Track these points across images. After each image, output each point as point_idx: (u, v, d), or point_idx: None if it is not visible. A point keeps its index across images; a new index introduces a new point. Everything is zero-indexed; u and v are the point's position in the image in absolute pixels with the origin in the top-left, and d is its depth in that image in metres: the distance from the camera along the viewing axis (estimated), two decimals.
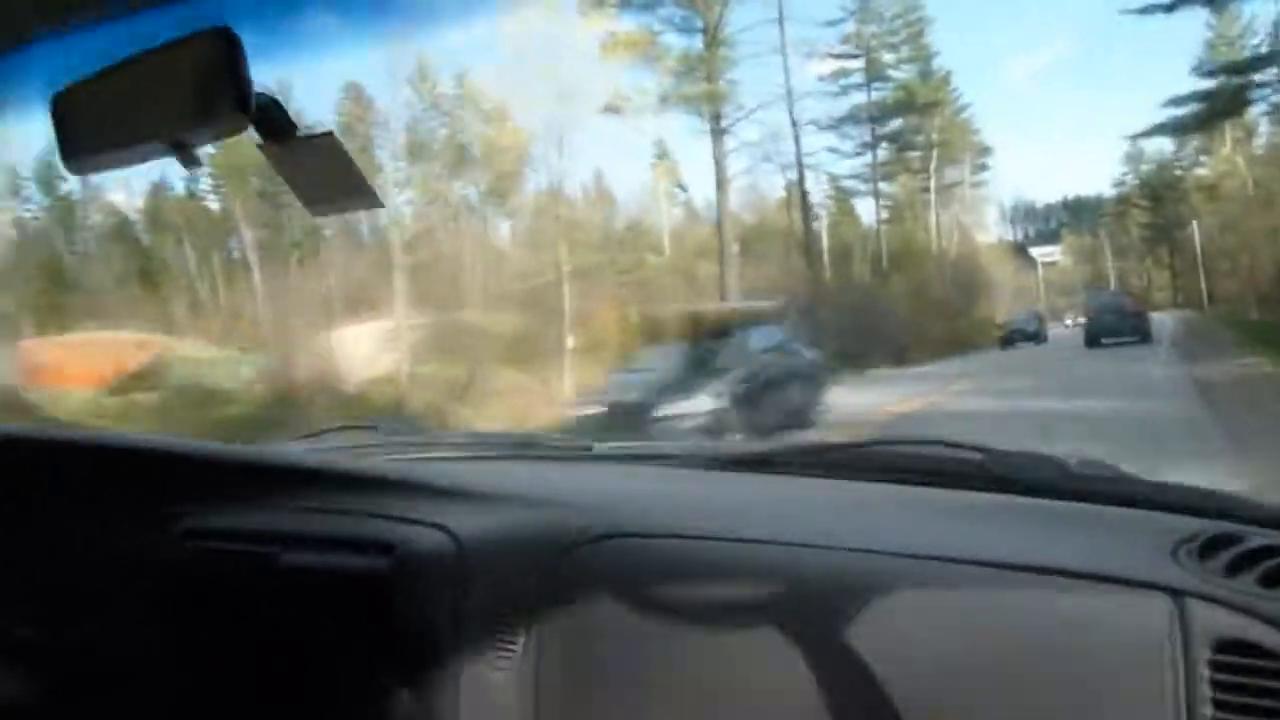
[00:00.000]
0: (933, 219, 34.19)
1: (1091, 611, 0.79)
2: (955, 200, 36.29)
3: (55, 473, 1.37)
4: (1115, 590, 0.79)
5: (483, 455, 1.58)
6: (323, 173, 0.93)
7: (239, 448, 1.47)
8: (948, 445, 1.20)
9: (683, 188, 29.36)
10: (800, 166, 27.69)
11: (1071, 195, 52.35)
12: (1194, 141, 37.00)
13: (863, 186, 34.14)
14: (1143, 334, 21.56)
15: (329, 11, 0.79)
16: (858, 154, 32.09)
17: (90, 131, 0.87)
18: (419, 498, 1.15)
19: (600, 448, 1.53)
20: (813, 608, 0.90)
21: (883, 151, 33.17)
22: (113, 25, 0.82)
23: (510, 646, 1.00)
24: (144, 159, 0.86)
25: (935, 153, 34.13)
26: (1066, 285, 50.54)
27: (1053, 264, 50.23)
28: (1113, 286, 45.94)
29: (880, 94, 31.56)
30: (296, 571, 1.09)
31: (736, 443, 1.66)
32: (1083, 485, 1.07)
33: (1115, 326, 22.18)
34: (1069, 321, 38.03)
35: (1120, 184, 47.42)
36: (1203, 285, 37.19)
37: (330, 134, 0.91)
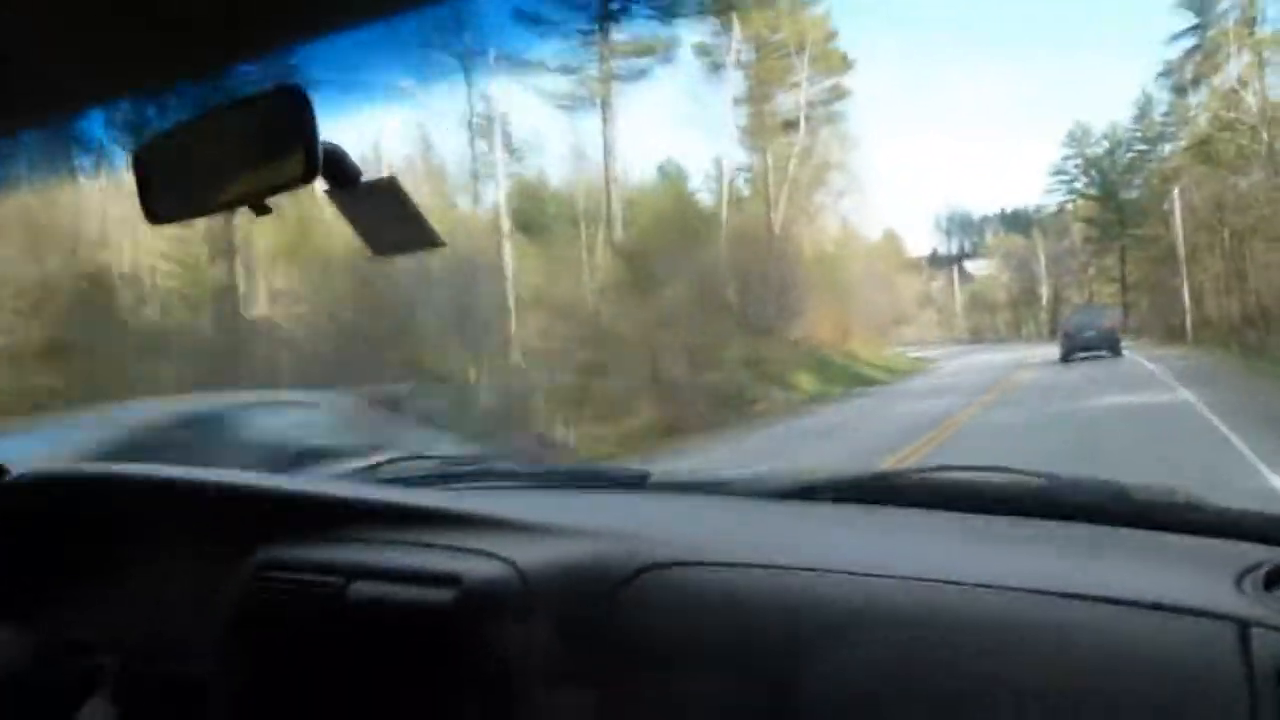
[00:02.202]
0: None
1: (1154, 641, 0.78)
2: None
3: (135, 508, 1.43)
4: (1178, 620, 0.78)
5: (541, 485, 1.60)
6: (386, 216, 0.97)
7: (310, 481, 1.52)
8: (1007, 471, 1.19)
9: None
10: None
11: (1010, 208, 46.96)
12: (1161, 106, 30.80)
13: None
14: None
15: (389, 68, 0.83)
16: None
17: (169, 184, 0.92)
18: (482, 530, 1.17)
19: (656, 476, 1.55)
20: (872, 637, 0.90)
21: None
22: (190, 83, 0.87)
23: (573, 676, 1.01)
24: (219, 209, 0.91)
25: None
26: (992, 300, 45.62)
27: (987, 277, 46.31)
28: (1044, 300, 41.71)
29: None
30: (365, 603, 1.12)
31: (793, 471, 1.65)
32: (1145, 512, 1.05)
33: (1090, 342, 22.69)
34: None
35: (1061, 173, 39.34)
36: (1186, 302, 28.09)
37: (392, 179, 0.94)
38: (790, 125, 28.21)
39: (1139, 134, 35.60)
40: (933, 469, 1.34)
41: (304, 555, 1.20)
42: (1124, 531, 1.02)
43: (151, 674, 1.28)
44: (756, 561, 1.03)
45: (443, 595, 1.07)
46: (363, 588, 1.12)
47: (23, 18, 0.70)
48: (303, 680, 1.17)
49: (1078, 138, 39.55)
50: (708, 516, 1.34)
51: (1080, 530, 1.05)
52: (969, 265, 47.49)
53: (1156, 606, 0.80)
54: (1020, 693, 0.81)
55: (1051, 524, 1.08)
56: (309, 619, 1.16)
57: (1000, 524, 1.13)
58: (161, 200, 0.93)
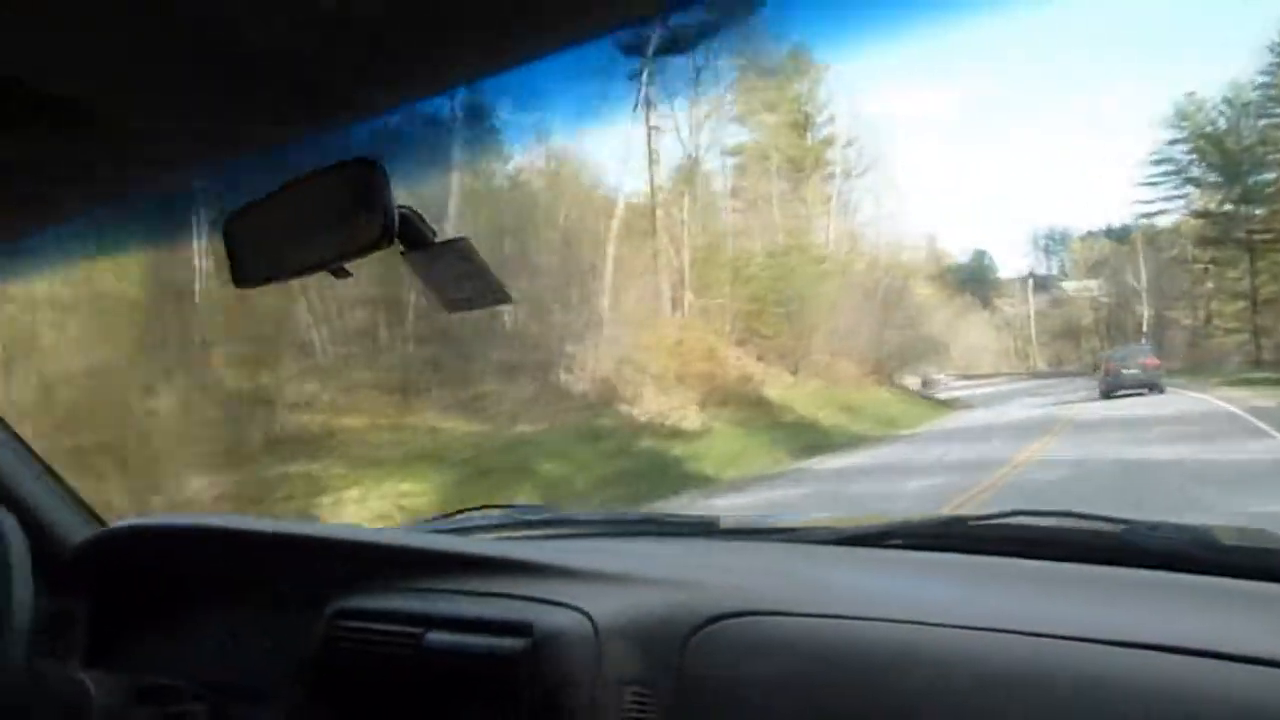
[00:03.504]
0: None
1: (1239, 696, 0.76)
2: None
3: (218, 559, 1.48)
4: (1264, 673, 0.76)
5: (611, 533, 1.61)
6: (458, 275, 1.01)
7: (384, 532, 1.56)
8: (1083, 517, 1.17)
9: None
10: None
11: (1118, 223, 40.00)
12: None
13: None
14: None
15: (454, 136, 0.87)
16: None
17: (256, 250, 0.97)
18: (554, 579, 1.19)
19: (725, 522, 1.55)
20: (945, 690, 0.89)
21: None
22: (273, 156, 0.92)
23: None
24: (302, 274, 0.96)
25: None
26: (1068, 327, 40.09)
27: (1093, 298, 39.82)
28: (1144, 323, 34.53)
29: None
30: (440, 652, 1.14)
31: (865, 517, 1.64)
32: (1226, 558, 1.02)
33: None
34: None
35: (1166, 161, 31.20)
36: None
37: (464, 240, 0.98)
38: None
39: (1273, 90, 27.58)
40: (1007, 514, 1.32)
41: (378, 605, 1.23)
42: (1204, 580, 0.99)
43: (236, 719, 1.31)
44: (829, 611, 1.02)
45: (515, 644, 1.08)
46: (437, 637, 1.15)
47: (135, 84, 0.75)
48: None
49: (1187, 113, 32.16)
50: (779, 564, 1.34)
51: (1159, 578, 1.03)
52: (1069, 286, 42.88)
53: (1240, 659, 0.77)
54: None
55: (1128, 571, 1.06)
56: (384, 667, 1.18)
57: (1075, 571, 1.11)
58: (249, 266, 0.98)
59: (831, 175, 31.18)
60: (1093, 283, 41.86)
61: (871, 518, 1.43)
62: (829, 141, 31.53)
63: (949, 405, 28.27)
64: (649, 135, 21.25)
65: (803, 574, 1.26)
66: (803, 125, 30.19)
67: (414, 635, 1.16)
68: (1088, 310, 42.25)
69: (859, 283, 28.40)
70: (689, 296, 21.48)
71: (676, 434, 15.52)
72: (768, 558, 1.39)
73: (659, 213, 21.15)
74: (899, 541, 1.33)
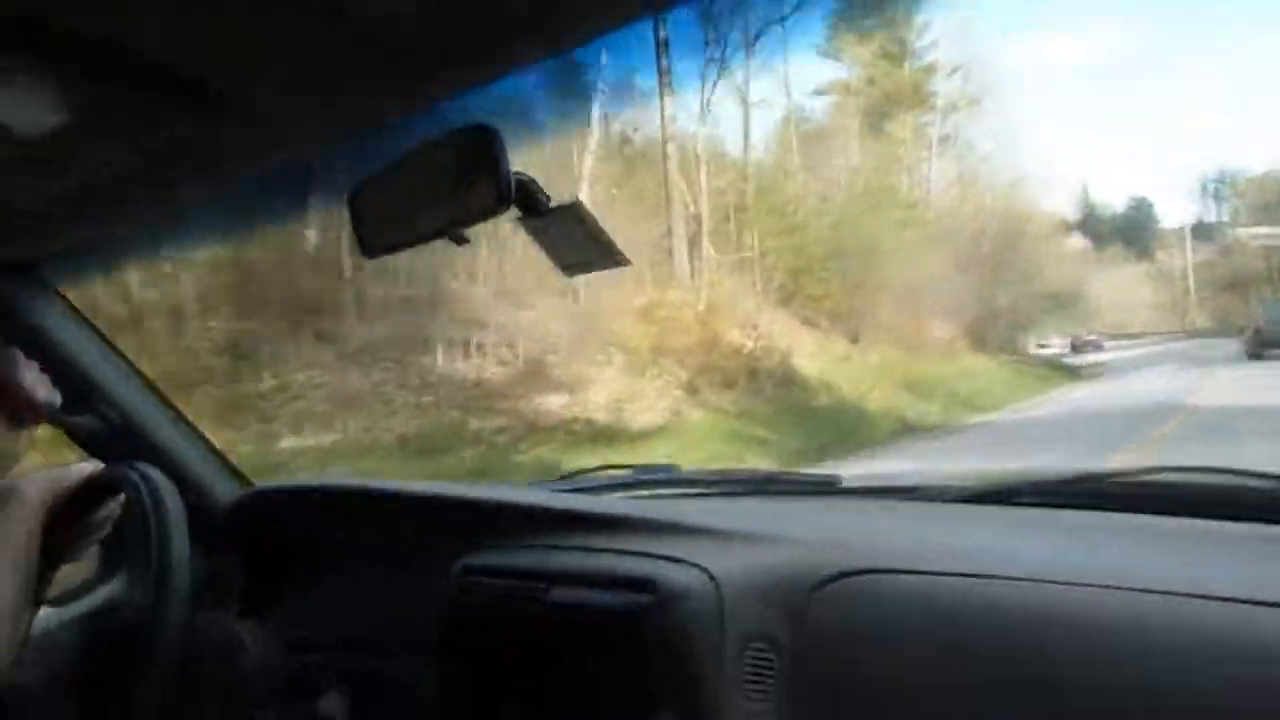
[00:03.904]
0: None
1: None
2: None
3: (354, 518, 1.55)
4: None
5: (731, 492, 1.62)
6: (573, 238, 1.02)
7: (509, 490, 1.60)
8: (1225, 472, 1.11)
9: None
10: None
11: None
12: None
13: None
14: None
15: (565, 99, 0.87)
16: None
17: (378, 220, 1.01)
18: (676, 536, 1.20)
19: (847, 481, 1.53)
20: (1084, 652, 0.86)
21: None
22: (393, 130, 0.94)
23: (766, 682, 1.02)
24: (422, 241, 0.98)
25: None
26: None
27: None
28: None
29: None
30: (563, 608, 1.17)
31: (993, 473, 1.59)
32: None
33: None
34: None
35: None
36: None
37: (578, 203, 0.99)
38: None
39: None
40: (1144, 470, 1.26)
41: (504, 561, 1.27)
42: None
43: (373, 670, 1.38)
44: (958, 570, 1.00)
45: (638, 600, 1.10)
46: (560, 592, 1.18)
47: (262, 65, 0.78)
48: (506, 679, 1.24)
49: None
50: (904, 521, 1.31)
51: None
52: (1245, 234, 37.56)
53: None
54: (1247, 715, 0.76)
55: (1276, 528, 1.00)
56: (510, 622, 1.22)
57: (1223, 529, 1.06)
58: (373, 236, 1.02)
59: (932, 109, 28.04)
60: (1265, 229, 37.05)
61: (999, 474, 1.39)
62: (930, 69, 28.10)
63: (1072, 374, 24.91)
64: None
65: (929, 531, 1.23)
66: (898, 55, 27.16)
67: (538, 591, 1.19)
68: (1259, 259, 37.56)
69: (961, 231, 25.05)
70: (708, 250, 17.64)
71: (610, 435, 11.46)
72: (892, 515, 1.37)
73: (671, 149, 17.24)
74: (1028, 499, 1.29)
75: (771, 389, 15.00)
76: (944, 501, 1.37)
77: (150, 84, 0.79)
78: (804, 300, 19.46)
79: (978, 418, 15.44)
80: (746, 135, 20.97)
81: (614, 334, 13.68)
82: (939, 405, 16.40)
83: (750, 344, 15.70)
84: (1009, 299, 26.75)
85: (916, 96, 27.44)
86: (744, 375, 14.86)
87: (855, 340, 19.61)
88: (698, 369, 14.18)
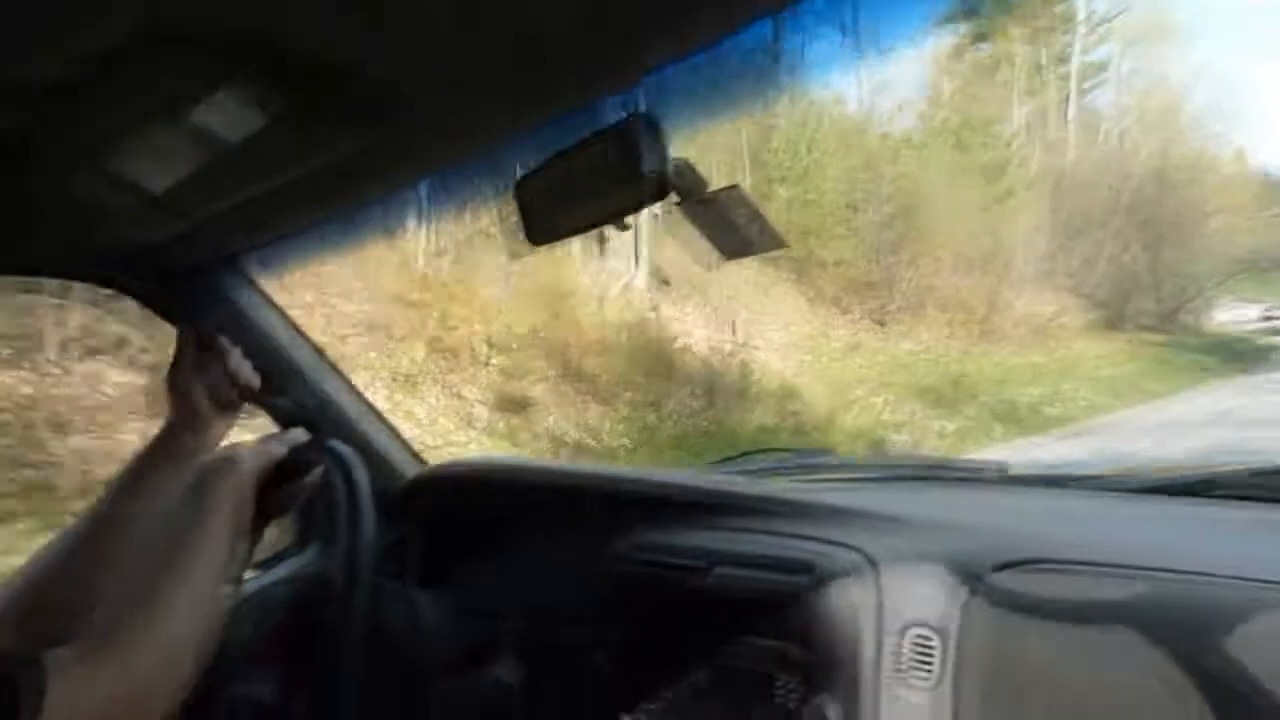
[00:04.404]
0: None
1: None
2: None
3: (528, 496, 1.62)
4: None
5: (891, 478, 1.59)
6: (734, 222, 1.03)
7: (674, 474, 1.64)
8: None
9: None
10: None
11: None
12: None
13: None
14: None
15: (727, 84, 0.88)
16: None
17: (543, 209, 1.05)
18: (835, 521, 1.20)
19: (1017, 470, 1.48)
20: (1257, 654, 0.81)
21: None
22: (556, 121, 0.98)
23: (928, 669, 1.01)
24: (585, 229, 1.02)
25: None
26: None
27: None
28: None
29: None
30: (725, 587, 1.19)
31: (1173, 465, 1.48)
32: None
33: None
34: None
35: None
36: None
37: (736, 187, 1.00)
38: None
39: None
40: None
41: (670, 541, 1.30)
42: None
43: (546, 640, 1.44)
44: (1139, 563, 0.96)
45: (797, 581, 1.11)
46: (723, 572, 1.20)
47: (438, 66, 0.83)
48: (671, 653, 1.27)
49: None
50: (1079, 512, 1.26)
51: None
52: None
53: None
54: None
55: None
56: (675, 599, 1.25)
57: None
58: (538, 225, 1.06)
59: (1069, 28, 22.14)
60: None
61: (1178, 467, 1.31)
62: None
63: (1257, 357, 19.27)
64: None
65: (1106, 523, 1.18)
66: None
67: (702, 570, 1.21)
68: None
69: (1103, 178, 20.04)
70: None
71: None
72: (1066, 506, 1.32)
73: None
74: (1213, 493, 1.22)
75: (696, 398, 11.11)
76: (1123, 492, 1.31)
77: (337, 92, 0.85)
78: (817, 269, 14.96)
79: (1014, 443, 11.31)
80: None
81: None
82: (963, 421, 12.11)
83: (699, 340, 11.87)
84: (1170, 260, 21.18)
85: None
86: (659, 379, 11.08)
87: (882, 323, 15.10)
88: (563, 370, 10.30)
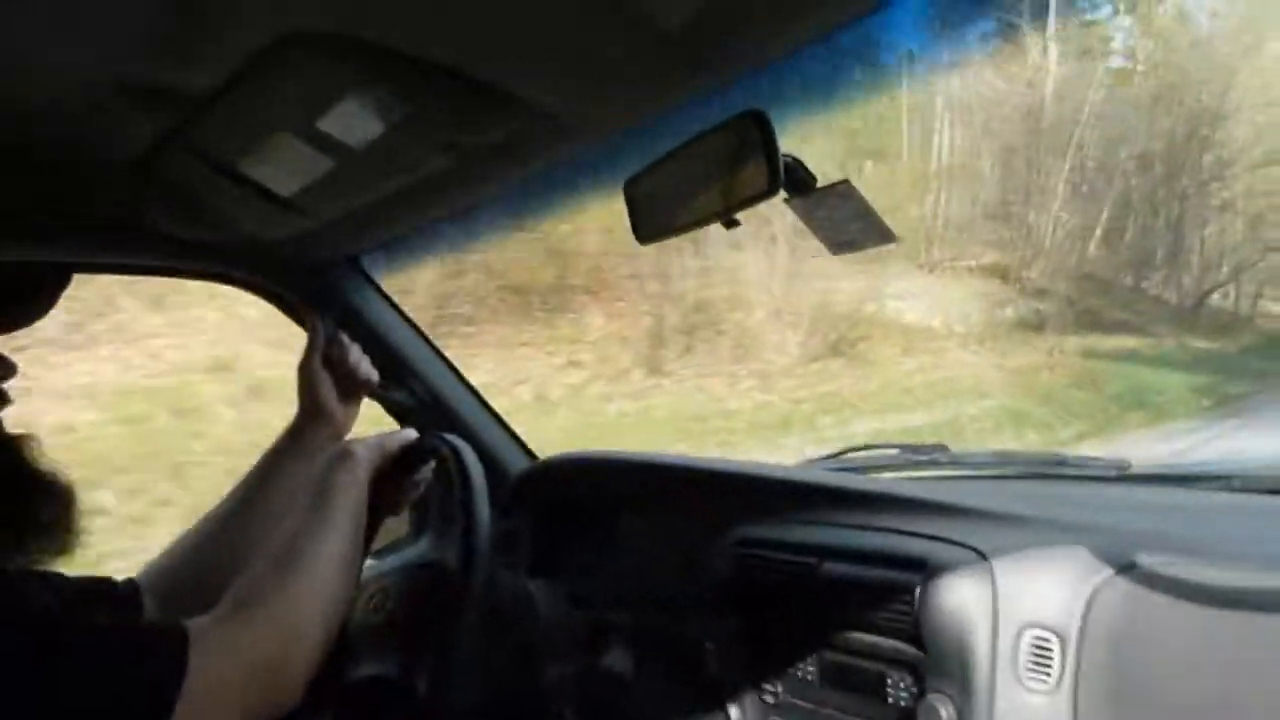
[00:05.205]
0: None
1: None
2: None
3: (636, 488, 1.64)
4: None
5: (1006, 474, 1.56)
6: (841, 217, 1.03)
7: (781, 467, 1.63)
8: None
9: None
10: None
11: None
12: None
13: None
14: None
15: (834, 79, 0.88)
16: None
17: (654, 208, 1.06)
18: (946, 517, 1.18)
19: (1138, 467, 1.43)
20: None
21: None
22: (667, 118, 0.99)
23: (1046, 671, 0.99)
24: (695, 227, 1.03)
25: None
26: None
27: None
28: None
29: None
30: (835, 582, 1.19)
31: None
32: None
33: None
34: None
35: None
36: None
37: (845, 181, 1.00)
38: None
39: None
40: None
41: (778, 534, 1.30)
42: None
43: (657, 629, 1.46)
44: (1248, 564, 0.92)
45: (909, 578, 1.09)
46: (832, 567, 1.19)
47: (540, 64, 0.85)
48: (780, 646, 1.27)
49: None
50: (1208, 511, 1.21)
51: None
52: None
53: None
54: None
55: None
56: (783, 591, 1.25)
57: None
58: (647, 223, 1.08)
59: None
60: None
61: None
62: None
63: None
64: None
65: (1223, 524, 1.13)
66: None
67: (811, 564, 1.21)
68: None
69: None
70: None
71: None
72: (1195, 504, 1.27)
73: None
74: None
75: None
76: (1251, 492, 1.25)
77: (455, 94, 0.88)
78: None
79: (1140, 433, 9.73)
80: None
81: None
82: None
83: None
84: None
85: None
86: None
87: (1039, 327, 12.25)
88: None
